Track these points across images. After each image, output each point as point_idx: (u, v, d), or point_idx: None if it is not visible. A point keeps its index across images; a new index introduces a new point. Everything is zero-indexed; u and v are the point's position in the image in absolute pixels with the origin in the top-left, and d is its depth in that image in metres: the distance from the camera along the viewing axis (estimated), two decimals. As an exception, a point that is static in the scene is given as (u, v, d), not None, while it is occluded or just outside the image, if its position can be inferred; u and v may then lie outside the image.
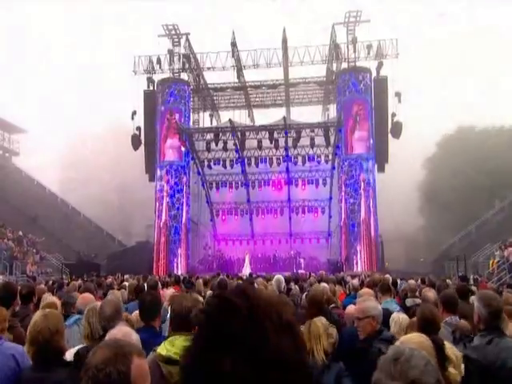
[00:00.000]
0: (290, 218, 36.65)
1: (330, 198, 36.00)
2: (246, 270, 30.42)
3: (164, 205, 32.71)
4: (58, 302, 5.90)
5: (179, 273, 29.47)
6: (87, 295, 5.24)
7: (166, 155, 33.51)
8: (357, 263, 30.66)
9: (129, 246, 42.30)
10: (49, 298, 7.19)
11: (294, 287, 8.87)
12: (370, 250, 30.37)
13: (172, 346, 2.99)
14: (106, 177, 54.50)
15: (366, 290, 4.79)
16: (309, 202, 36.93)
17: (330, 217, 36.39)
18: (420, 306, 4.04)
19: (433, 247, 41.69)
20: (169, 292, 6.19)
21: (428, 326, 3.33)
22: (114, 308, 3.59)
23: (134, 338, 2.35)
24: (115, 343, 1.71)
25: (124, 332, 2.34)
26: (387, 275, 9.02)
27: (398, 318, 4.22)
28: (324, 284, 6.76)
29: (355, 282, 8.14)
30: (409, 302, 6.12)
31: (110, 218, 48.80)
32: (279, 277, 7.97)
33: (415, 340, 2.48)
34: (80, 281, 13.57)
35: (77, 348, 3.82)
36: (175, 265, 32.40)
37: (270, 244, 36.97)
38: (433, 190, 47.30)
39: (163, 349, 2.86)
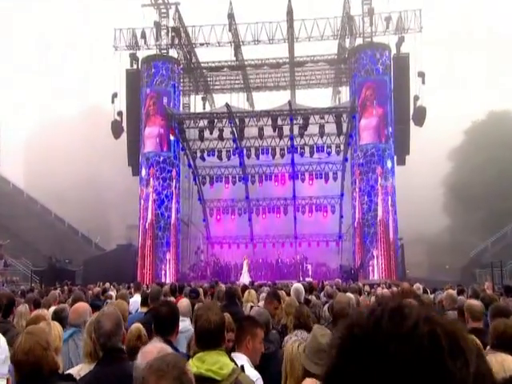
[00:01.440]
0: (294, 218, 36.87)
1: (342, 195, 36.24)
2: (245, 278, 30.60)
3: (150, 202, 32.79)
4: (48, 315, 6.00)
5: (167, 281, 29.62)
6: (82, 306, 5.31)
7: (152, 145, 33.60)
8: (373, 270, 30.87)
9: (108, 249, 42.34)
10: (22, 310, 7.28)
11: (311, 297, 8.98)
12: (388, 255, 30.55)
13: (202, 363, 3.11)
14: (81, 170, 54.55)
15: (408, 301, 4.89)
16: (317, 200, 37.15)
17: (342, 216, 36.62)
18: (495, 320, 4.03)
19: (460, 252, 41.86)
20: (184, 303, 6.28)
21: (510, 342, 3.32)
22: (114, 322, 3.64)
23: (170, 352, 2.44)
24: (170, 367, 1.83)
25: (159, 348, 2.44)
26: (417, 284, 9.14)
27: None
28: (350, 294, 6.87)
29: (385, 291, 8.26)
30: (450, 315, 6.23)
31: (85, 217, 48.89)
32: (298, 286, 8.10)
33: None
34: (58, 290, 13.62)
35: (80, 369, 3.90)
36: (163, 272, 32.55)
37: (271, 248, 37.20)
38: (460, 184, 47.52)
39: (192, 366, 2.97)
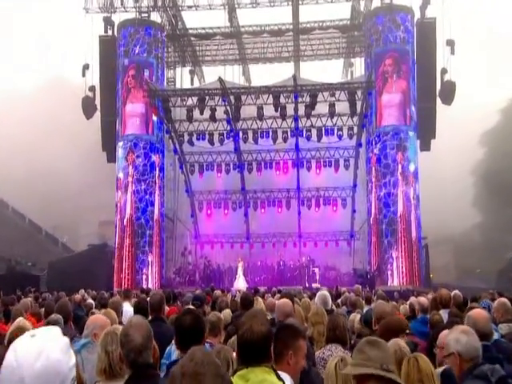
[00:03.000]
0: (299, 213, 37.05)
1: (355, 186, 36.43)
2: (239, 283, 30.86)
3: (128, 194, 32.86)
4: (30, 325, 6.10)
5: (150, 286, 29.77)
6: (98, 317, 5.43)
7: (130, 126, 33.60)
8: (392, 274, 31.11)
9: (78, 250, 42.43)
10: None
11: (332, 306, 9.11)
12: (410, 257, 30.82)
13: (246, 382, 3.18)
14: (43, 156, 54.30)
15: (477, 311, 4.99)
16: (325, 192, 37.35)
17: (354, 211, 36.84)
18: None
19: (494, 253, 42.11)
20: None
21: None
22: (144, 334, 3.66)
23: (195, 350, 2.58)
24: (205, 365, 1.96)
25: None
26: (456, 291, 9.27)
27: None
28: (394, 303, 7.00)
29: (422, 299, 8.40)
30: (503, 328, 6.32)
31: (50, 212, 48.87)
32: (324, 293, 8.20)
33: None
34: (31, 298, 13.70)
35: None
36: (144, 277, 32.67)
37: (271, 248, 37.42)
38: (493, 174, 47.63)
39: (234, 385, 3.06)
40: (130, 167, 33.16)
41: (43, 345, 1.97)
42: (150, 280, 32.58)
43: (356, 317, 7.76)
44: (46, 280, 35.35)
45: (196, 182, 37.36)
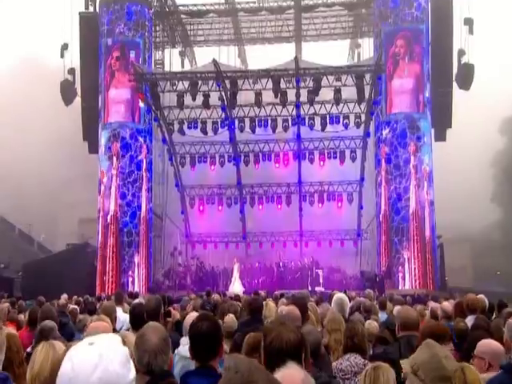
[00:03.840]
0: (300, 210, 37.15)
1: (362, 180, 36.53)
2: (235, 287, 30.89)
3: (113, 189, 32.82)
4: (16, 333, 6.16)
5: (136, 290, 29.77)
6: (103, 325, 5.47)
7: (114, 114, 33.58)
8: (403, 277, 31.19)
9: (56, 251, 42.40)
10: None
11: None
12: (423, 258, 30.90)
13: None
14: (17, 146, 54.17)
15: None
16: (329, 186, 37.45)
17: (361, 208, 36.97)
18: None
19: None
20: (191, 318, 6.39)
21: None
22: (162, 337, 3.78)
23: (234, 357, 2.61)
24: (255, 373, 2.00)
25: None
26: (481, 295, 9.33)
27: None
28: (420, 307, 7.06)
29: (446, 304, 8.46)
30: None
31: (24, 208, 48.80)
32: (340, 297, 8.18)
33: None
34: (7, 304, 13.74)
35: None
36: (130, 279, 32.69)
37: (270, 248, 37.55)
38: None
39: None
40: (114, 159, 33.07)
41: (102, 355, 1.99)
42: (137, 283, 32.60)
43: (372, 324, 7.81)
44: (21, 283, 35.32)
45: (187, 176, 37.34)
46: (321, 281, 33.06)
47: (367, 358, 5.82)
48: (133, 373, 2.10)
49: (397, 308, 9.25)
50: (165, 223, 37.48)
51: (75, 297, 19.01)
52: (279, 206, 37.52)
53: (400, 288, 30.12)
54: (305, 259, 34.66)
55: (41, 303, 13.62)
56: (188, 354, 4.47)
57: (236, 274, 32.08)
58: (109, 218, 32.82)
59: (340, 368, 5.61)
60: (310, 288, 30.95)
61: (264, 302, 9.01)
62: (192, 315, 6.66)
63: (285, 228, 37.52)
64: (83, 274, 33.61)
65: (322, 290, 30.32)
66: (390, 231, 31.89)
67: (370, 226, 35.76)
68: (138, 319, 7.25)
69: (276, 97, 31.24)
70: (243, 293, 26.22)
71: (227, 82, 31.18)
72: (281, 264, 34.69)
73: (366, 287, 27.74)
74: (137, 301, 10.56)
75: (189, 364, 4.94)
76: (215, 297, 13.06)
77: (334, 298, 8.21)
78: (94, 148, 35.31)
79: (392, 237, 31.81)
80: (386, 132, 32.49)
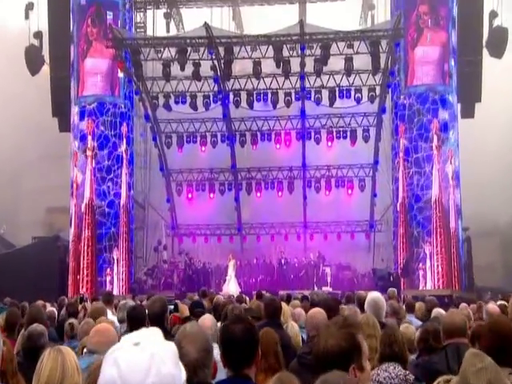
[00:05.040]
0: (304, 198, 37.25)
1: (376, 163, 36.53)
2: (231, 287, 31.01)
3: (87, 174, 32.71)
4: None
5: (115, 291, 29.85)
6: (107, 327, 5.51)
7: (90, 86, 33.49)
8: (424, 276, 31.21)
9: (19, 245, 42.26)
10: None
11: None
12: (447, 253, 30.88)
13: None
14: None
15: None
16: (338, 170, 37.52)
17: (375, 195, 37.01)
18: None
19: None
20: (208, 322, 6.43)
21: None
22: (201, 347, 3.80)
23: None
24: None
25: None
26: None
27: None
28: (466, 311, 7.12)
29: (491, 307, 8.52)
30: None
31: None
32: (374, 298, 8.16)
33: None
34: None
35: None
36: (108, 278, 32.66)
37: (269, 242, 37.64)
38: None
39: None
40: (90, 138, 32.85)
41: (153, 355, 1.94)
42: (116, 283, 32.56)
43: (409, 328, 7.84)
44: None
45: (173, 158, 37.37)
46: (328, 280, 33.24)
47: (408, 368, 5.89)
48: (184, 372, 2.09)
49: (436, 310, 9.31)
50: (148, 213, 37.56)
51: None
52: (280, 194, 37.52)
53: (420, 288, 30.19)
54: (310, 255, 34.79)
55: (12, 305, 13.70)
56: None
57: (231, 273, 32.16)
58: (83, 206, 32.66)
59: (378, 380, 5.65)
60: (315, 288, 31.04)
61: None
62: (206, 318, 6.68)
63: (286, 219, 37.46)
64: (53, 272, 33.51)
65: (330, 290, 30.42)
66: (408, 222, 31.92)
67: (385, 216, 35.88)
68: (138, 323, 7.27)
69: (277, 67, 31.29)
70: (239, 294, 26.36)
71: (221, 48, 31.14)
72: (282, 261, 34.79)
73: (378, 287, 27.90)
74: (130, 302, 10.55)
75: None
76: (216, 298, 13.03)
77: (368, 298, 8.16)
78: (64, 125, 35.30)
79: (411, 229, 31.87)
80: (405, 107, 32.44)
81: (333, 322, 3.77)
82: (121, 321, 9.06)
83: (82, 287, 31.50)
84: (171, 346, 2.06)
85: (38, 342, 6.17)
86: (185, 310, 8.11)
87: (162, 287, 32.73)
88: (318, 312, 6.93)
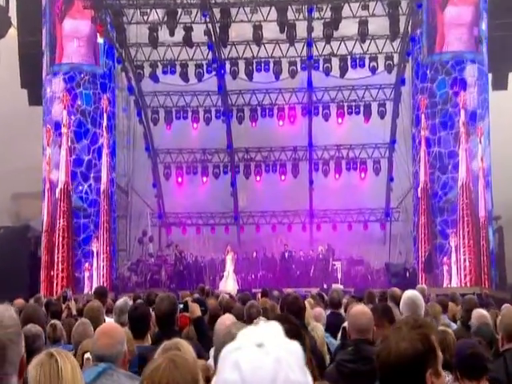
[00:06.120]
0: (310, 183, 37.38)
1: (393, 143, 36.56)
2: (228, 284, 31.04)
3: (63, 154, 32.57)
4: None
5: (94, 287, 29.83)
6: (115, 327, 5.45)
7: (65, 53, 33.36)
8: (449, 271, 31.16)
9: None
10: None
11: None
12: (476, 246, 30.77)
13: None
14: None
15: None
16: (350, 151, 37.63)
17: (392, 180, 37.03)
18: None
19: None
20: (227, 321, 6.38)
21: None
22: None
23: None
24: None
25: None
26: None
27: None
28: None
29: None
30: None
31: None
32: (413, 295, 8.11)
33: None
34: None
35: None
36: (86, 274, 32.62)
37: (271, 232, 37.83)
38: None
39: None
40: (65, 113, 32.48)
41: (279, 360, 1.86)
42: (95, 279, 32.40)
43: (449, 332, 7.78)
44: None
45: (161, 137, 37.52)
46: (339, 276, 33.34)
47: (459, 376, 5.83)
48: (310, 378, 2.00)
49: (479, 312, 9.25)
50: (131, 199, 37.57)
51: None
52: (283, 178, 37.76)
53: (445, 285, 30.14)
54: (319, 248, 34.57)
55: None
56: None
57: (230, 268, 32.06)
58: (57, 192, 32.45)
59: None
60: (324, 285, 31.03)
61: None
62: (225, 318, 6.63)
63: (290, 206, 37.63)
64: (22, 267, 33.49)
65: (341, 287, 30.40)
66: (431, 210, 31.84)
67: (404, 203, 35.89)
68: (141, 325, 7.25)
69: (282, 32, 31.29)
70: (238, 291, 26.40)
71: (216, 10, 31.14)
72: (286, 254, 34.78)
73: (391, 285, 27.89)
74: (128, 300, 10.50)
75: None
76: (223, 296, 13.01)
77: (404, 297, 8.13)
78: (35, 98, 35.20)
79: (434, 218, 31.88)
80: (427, 78, 32.34)
81: (402, 322, 3.72)
82: (122, 325, 8.99)
83: (57, 284, 31.35)
84: (297, 348, 1.93)
85: (33, 344, 6.10)
86: (196, 310, 8.02)
87: (149, 284, 32.60)
88: (361, 312, 6.79)
